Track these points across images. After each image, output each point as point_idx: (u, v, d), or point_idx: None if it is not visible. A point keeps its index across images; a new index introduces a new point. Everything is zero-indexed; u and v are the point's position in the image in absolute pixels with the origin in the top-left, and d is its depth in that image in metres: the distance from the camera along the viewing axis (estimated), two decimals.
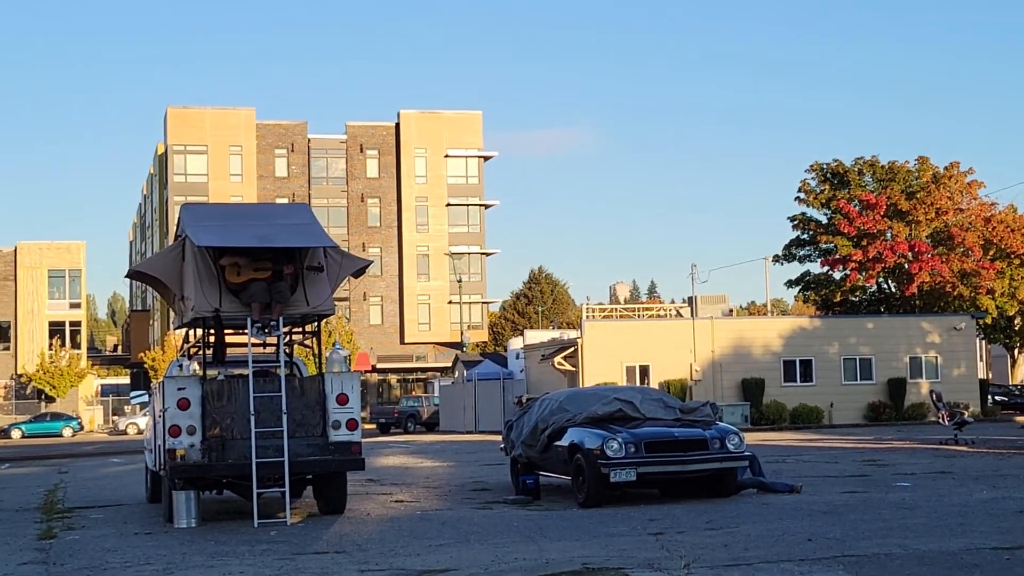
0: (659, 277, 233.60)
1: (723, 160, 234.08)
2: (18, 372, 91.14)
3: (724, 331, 54.78)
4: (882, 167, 66.27)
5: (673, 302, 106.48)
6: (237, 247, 16.67)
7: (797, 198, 67.43)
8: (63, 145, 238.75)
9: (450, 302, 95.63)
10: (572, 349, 53.72)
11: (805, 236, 67.62)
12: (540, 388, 50.98)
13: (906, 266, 62.88)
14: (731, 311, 75.01)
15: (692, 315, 63.61)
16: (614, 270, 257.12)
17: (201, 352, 18.09)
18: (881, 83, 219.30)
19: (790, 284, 70.37)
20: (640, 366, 52.76)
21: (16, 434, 77.74)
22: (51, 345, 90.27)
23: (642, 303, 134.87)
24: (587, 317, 62.96)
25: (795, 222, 67.74)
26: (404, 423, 66.46)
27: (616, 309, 75.82)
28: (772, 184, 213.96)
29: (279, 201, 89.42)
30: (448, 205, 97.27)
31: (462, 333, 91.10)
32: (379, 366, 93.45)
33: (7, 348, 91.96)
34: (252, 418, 16.36)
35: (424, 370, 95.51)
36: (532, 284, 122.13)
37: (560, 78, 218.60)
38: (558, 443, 18.98)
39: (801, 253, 68.29)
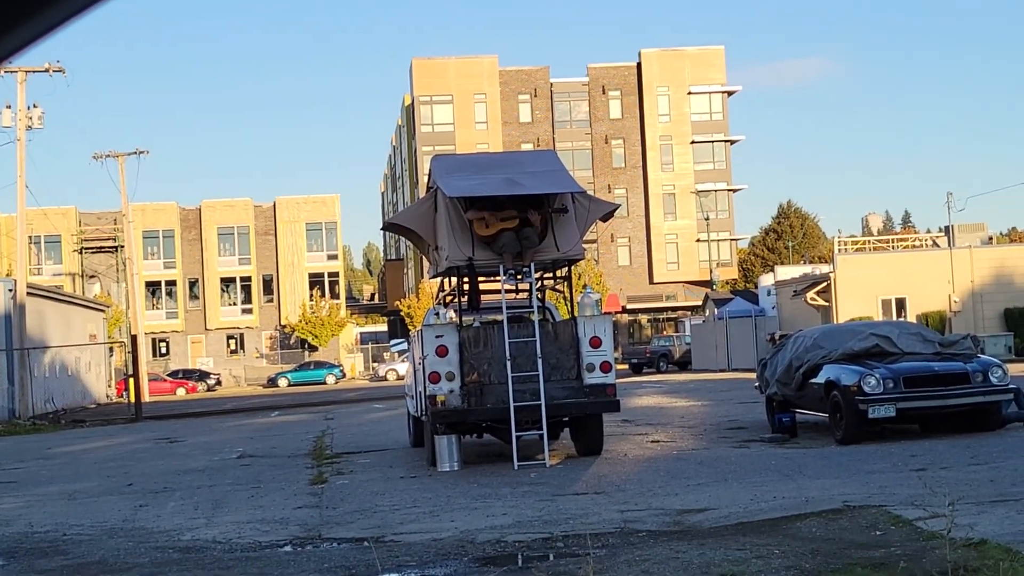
0: (913, 206, 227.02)
1: (976, 82, 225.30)
2: (282, 323, 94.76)
3: (984, 260, 52.96)
4: None
5: (929, 232, 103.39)
6: (481, 200, 16.92)
7: None
8: (316, 102, 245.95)
9: (698, 240, 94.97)
10: (825, 284, 52.82)
11: None
12: (793, 324, 50.32)
13: None
14: (991, 239, 72.30)
15: (949, 244, 61.67)
16: (865, 201, 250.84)
17: (456, 300, 18.44)
18: None
19: None
20: (896, 299, 51.55)
21: (283, 383, 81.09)
22: (311, 296, 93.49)
23: (896, 234, 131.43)
24: (839, 250, 61.70)
25: None
26: (656, 363, 66.47)
27: (869, 241, 74.11)
28: None
29: (524, 146, 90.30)
30: (692, 143, 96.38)
31: (711, 271, 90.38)
32: (629, 307, 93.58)
33: (271, 300, 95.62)
34: (508, 363, 16.65)
35: (674, 309, 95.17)
36: (781, 219, 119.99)
37: (801, 6, 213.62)
38: (814, 380, 18.81)
39: None
